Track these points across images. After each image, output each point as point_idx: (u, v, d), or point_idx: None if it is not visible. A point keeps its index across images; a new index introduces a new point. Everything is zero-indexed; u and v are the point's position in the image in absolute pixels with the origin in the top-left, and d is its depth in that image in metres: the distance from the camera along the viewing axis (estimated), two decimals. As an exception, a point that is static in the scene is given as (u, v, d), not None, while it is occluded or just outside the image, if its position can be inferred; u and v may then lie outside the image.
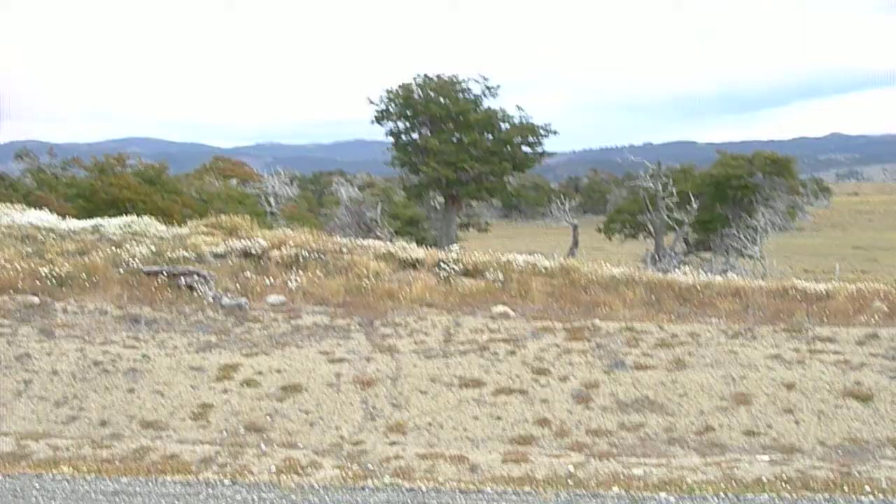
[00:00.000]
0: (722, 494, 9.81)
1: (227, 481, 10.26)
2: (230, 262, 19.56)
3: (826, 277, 34.80)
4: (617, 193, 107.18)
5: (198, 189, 57.63)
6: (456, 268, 19.52)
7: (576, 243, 44.97)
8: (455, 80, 48.09)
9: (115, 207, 40.07)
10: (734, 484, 10.18)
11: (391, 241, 28.00)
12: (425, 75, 48.26)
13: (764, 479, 10.28)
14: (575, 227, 44.34)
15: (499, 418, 12.56)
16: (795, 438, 11.98)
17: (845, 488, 9.99)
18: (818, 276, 38.69)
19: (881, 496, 9.78)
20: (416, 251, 20.85)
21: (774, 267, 41.91)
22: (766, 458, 11.30)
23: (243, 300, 17.09)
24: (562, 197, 55.35)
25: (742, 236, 44.38)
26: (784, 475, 10.41)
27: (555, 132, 48.19)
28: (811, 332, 15.46)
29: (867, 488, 9.97)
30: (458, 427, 12.37)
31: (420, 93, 47.43)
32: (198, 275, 17.89)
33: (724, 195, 48.39)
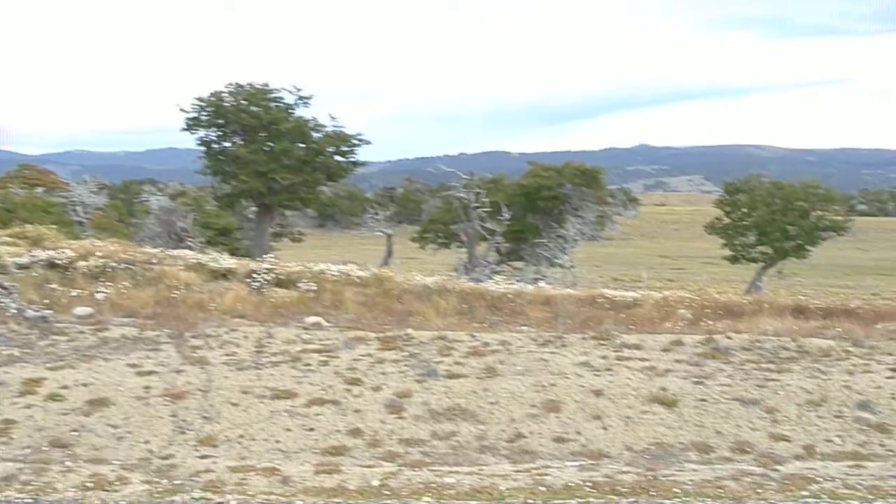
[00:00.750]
0: (531, 501, 9.91)
1: (28, 499, 9.83)
2: (35, 273, 18.83)
3: (634, 286, 35.76)
4: (431, 203, 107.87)
5: (1, 198, 55.43)
6: (268, 278, 19.28)
7: (390, 253, 45.16)
8: (267, 88, 47.59)
9: None
10: (544, 490, 10.29)
11: (203, 251, 27.49)
12: (237, 83, 47.62)
13: (573, 485, 10.43)
14: (389, 237, 44.49)
15: (311, 429, 12.40)
16: (604, 444, 12.19)
17: (651, 492, 10.22)
18: (627, 285, 39.73)
19: (686, 499, 10.04)
20: (228, 261, 20.54)
21: (584, 276, 42.88)
22: (575, 464, 11.48)
23: (48, 312, 16.46)
24: (376, 207, 55.40)
25: (552, 246, 45.23)
26: (592, 480, 10.58)
27: (367, 142, 48.23)
28: (619, 339, 15.82)
29: (673, 491, 10.22)
30: (270, 439, 12.16)
31: (232, 101, 46.77)
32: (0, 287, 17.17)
33: (535, 205, 49.13)
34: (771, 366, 14.73)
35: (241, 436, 12.20)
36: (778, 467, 11.36)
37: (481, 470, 11.20)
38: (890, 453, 12.15)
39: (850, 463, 11.68)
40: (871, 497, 10.09)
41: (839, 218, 52.28)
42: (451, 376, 13.95)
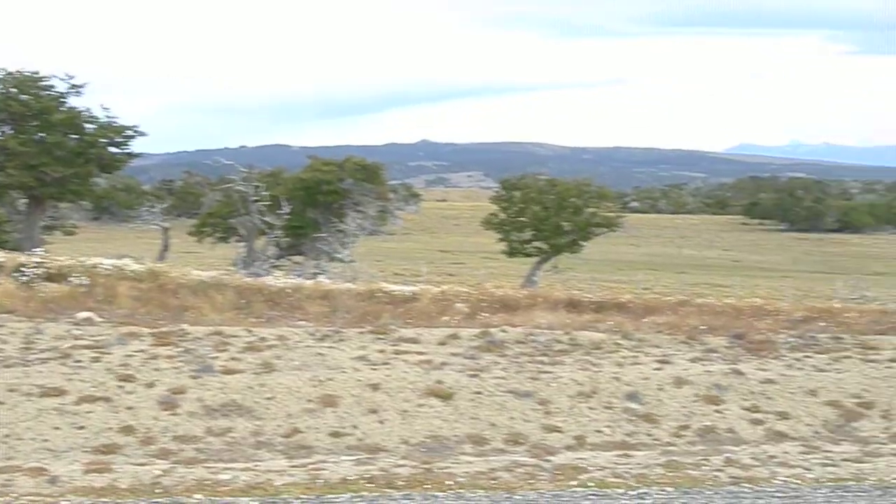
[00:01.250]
0: (306, 496, 9.87)
1: None
2: None
3: (414, 280, 36.08)
4: (211, 197, 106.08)
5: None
6: (38, 272, 18.56)
7: (166, 247, 44.16)
8: (38, 76, 45.69)
9: None
10: (320, 485, 10.26)
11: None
12: (5, 70, 45.54)
13: (349, 479, 10.44)
14: (165, 231, 43.51)
15: (82, 427, 11.99)
16: (380, 438, 12.24)
17: (426, 485, 10.32)
18: (407, 280, 40.03)
19: (459, 491, 10.18)
20: (-5, 255, 19.67)
21: (365, 270, 42.99)
22: (351, 458, 11.48)
23: None
24: (152, 199, 54.09)
25: (332, 240, 45.18)
26: (368, 474, 10.61)
27: (143, 133, 46.84)
28: (397, 333, 15.90)
29: (447, 483, 10.35)
30: (38, 438, 11.70)
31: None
32: None
33: (316, 200, 48.92)
34: (544, 358, 15.08)
35: (7, 435, 11.69)
36: (550, 458, 11.65)
37: (257, 466, 11.08)
38: (656, 442, 12.64)
39: (619, 452, 12.08)
40: (637, 485, 10.45)
41: (611, 215, 54.09)
42: (227, 372, 13.73)
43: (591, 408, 13.41)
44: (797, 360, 15.72)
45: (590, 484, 10.45)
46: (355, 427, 12.46)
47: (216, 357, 14.30)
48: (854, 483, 10.56)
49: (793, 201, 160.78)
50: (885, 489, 10.30)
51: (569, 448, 12.26)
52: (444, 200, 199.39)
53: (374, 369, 14.08)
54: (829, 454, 12.04)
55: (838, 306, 21.54)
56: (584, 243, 53.05)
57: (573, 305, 19.62)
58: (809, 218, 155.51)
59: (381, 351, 14.93)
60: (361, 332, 15.91)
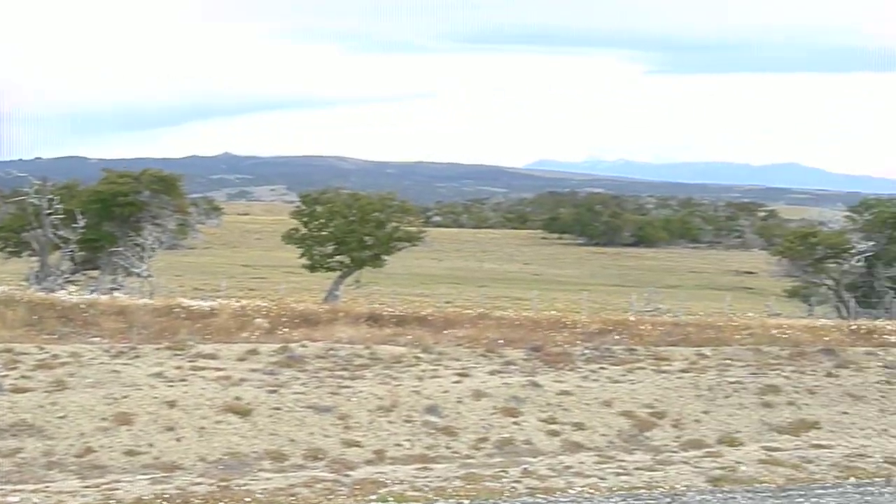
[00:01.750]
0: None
1: None
2: None
3: (214, 295, 35.51)
4: (3, 210, 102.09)
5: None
6: None
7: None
8: None
9: None
10: (113, 506, 9.98)
11: None
12: None
13: (144, 499, 10.17)
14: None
15: None
16: (177, 456, 11.99)
17: (224, 502, 10.14)
18: (206, 295, 39.39)
19: (257, 507, 10.05)
20: None
21: (164, 285, 42.08)
22: (146, 477, 11.20)
23: None
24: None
25: (130, 255, 44.02)
26: (165, 493, 10.36)
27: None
28: (194, 349, 15.62)
29: (245, 500, 10.20)
30: None
31: None
32: None
33: (112, 213, 47.53)
34: (344, 373, 15.06)
35: None
36: (350, 472, 11.62)
37: (48, 487, 10.69)
38: (456, 455, 12.76)
39: (419, 465, 12.14)
40: (435, 498, 10.51)
41: (414, 229, 54.29)
42: (17, 391, 13.23)
43: (390, 422, 13.44)
44: (593, 371, 16.13)
45: (389, 498, 10.46)
46: (151, 445, 12.17)
47: (6, 375, 13.77)
48: (645, 491, 10.87)
49: (591, 216, 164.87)
50: (674, 496, 10.64)
51: (368, 462, 12.25)
52: (246, 214, 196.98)
53: (171, 386, 13.79)
54: (622, 463, 12.35)
55: (633, 319, 22.23)
56: (387, 257, 53.06)
57: (374, 319, 19.66)
58: (607, 232, 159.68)
59: (179, 367, 14.64)
60: (158, 349, 15.58)
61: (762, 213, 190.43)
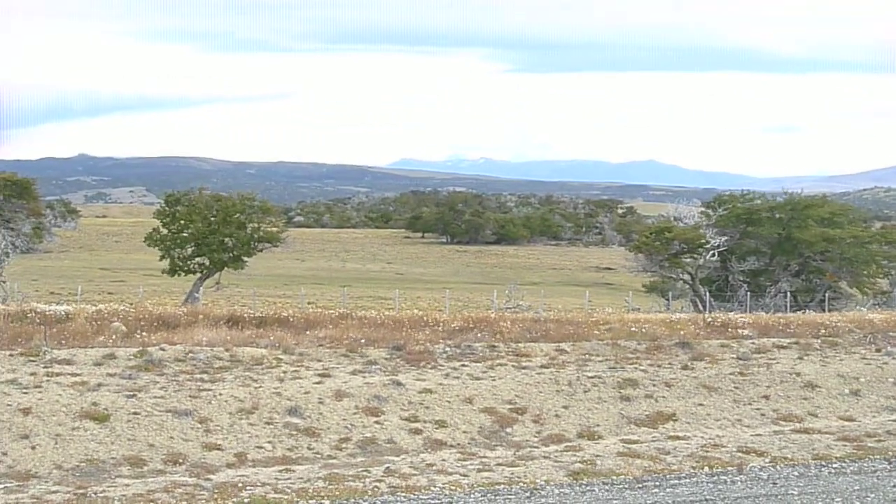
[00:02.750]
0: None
1: None
2: None
3: (71, 300, 34.70)
4: None
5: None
6: None
7: None
8: None
9: None
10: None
11: None
12: None
13: (-4, 510, 9.90)
14: None
15: None
16: (32, 464, 11.68)
17: (81, 510, 9.94)
18: (63, 299, 38.47)
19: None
20: None
21: (17, 290, 40.94)
22: (0, 486, 10.89)
23: None
24: None
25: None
26: (19, 502, 10.10)
27: None
28: (49, 355, 15.25)
29: (103, 508, 10.01)
30: None
31: None
32: None
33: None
34: (204, 376, 14.89)
35: None
36: (211, 476, 11.48)
37: None
38: (318, 456, 12.70)
39: (281, 467, 12.05)
40: (297, 500, 10.45)
41: (275, 229, 53.82)
42: None
43: (251, 424, 13.32)
44: (454, 369, 16.25)
45: (248, 501, 10.36)
46: (4, 454, 11.84)
47: None
48: (505, 486, 10.98)
49: (453, 215, 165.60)
50: (533, 491, 10.77)
51: (230, 466, 12.12)
52: (104, 216, 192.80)
53: (26, 393, 13.45)
54: (484, 459, 12.46)
55: (494, 316, 22.43)
56: (248, 259, 52.53)
57: (235, 322, 19.49)
58: (469, 231, 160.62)
59: (33, 374, 14.29)
60: (12, 355, 15.19)
61: (621, 210, 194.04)
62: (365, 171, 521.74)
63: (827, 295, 46.79)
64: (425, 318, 21.07)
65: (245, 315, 20.40)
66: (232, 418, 13.35)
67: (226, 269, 52.70)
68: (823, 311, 36.39)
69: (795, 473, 11.73)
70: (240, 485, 11.06)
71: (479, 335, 18.87)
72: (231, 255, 50.93)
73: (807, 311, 35.32)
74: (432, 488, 10.92)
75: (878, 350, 19.18)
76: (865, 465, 12.26)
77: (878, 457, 12.69)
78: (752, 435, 14.04)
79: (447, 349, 17.39)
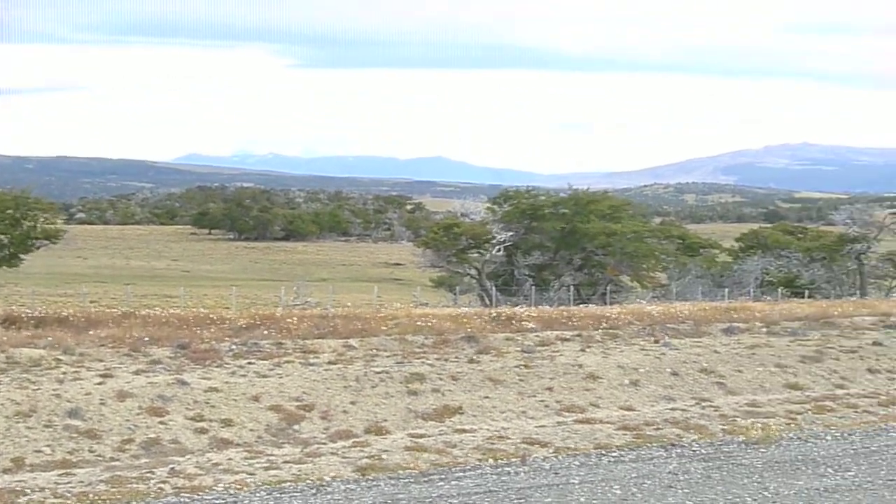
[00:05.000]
0: None
1: None
2: None
3: None
4: None
5: None
6: None
7: None
8: None
9: None
10: None
11: None
12: None
13: None
14: None
15: None
16: None
17: None
18: None
19: None
20: None
21: None
22: None
23: None
24: None
25: None
26: None
27: None
28: None
29: None
30: None
31: None
32: None
33: None
34: (-22, 380, 14.24)
35: None
36: (-21, 483, 10.99)
37: None
38: (100, 458, 12.31)
39: (61, 471, 11.64)
40: (79, 503, 10.13)
41: (52, 226, 52.15)
42: None
43: (30, 427, 12.82)
44: (241, 367, 16.04)
45: (27, 508, 9.98)
46: None
47: None
48: (292, 484, 10.90)
49: (241, 211, 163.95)
50: (319, 487, 10.73)
51: (6, 471, 11.63)
52: None
53: None
54: (271, 458, 12.33)
55: (281, 313, 22.27)
56: (25, 257, 50.75)
57: (11, 322, 18.77)
58: (257, 227, 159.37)
59: None
60: None
61: (409, 206, 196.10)
62: (149, 166, 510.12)
63: (609, 288, 48.43)
64: (212, 316, 20.73)
65: (23, 315, 19.66)
66: (8, 422, 12.80)
67: (1, 267, 50.67)
68: (605, 304, 37.59)
69: (577, 463, 12.06)
70: (17, 490, 10.63)
71: (266, 332, 18.68)
72: (6, 252, 48.98)
73: (589, 304, 36.40)
74: (217, 488, 10.75)
75: (656, 341, 19.87)
76: (643, 452, 12.72)
77: (655, 444, 13.18)
78: (536, 426, 14.34)
79: (234, 347, 17.15)
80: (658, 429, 14.22)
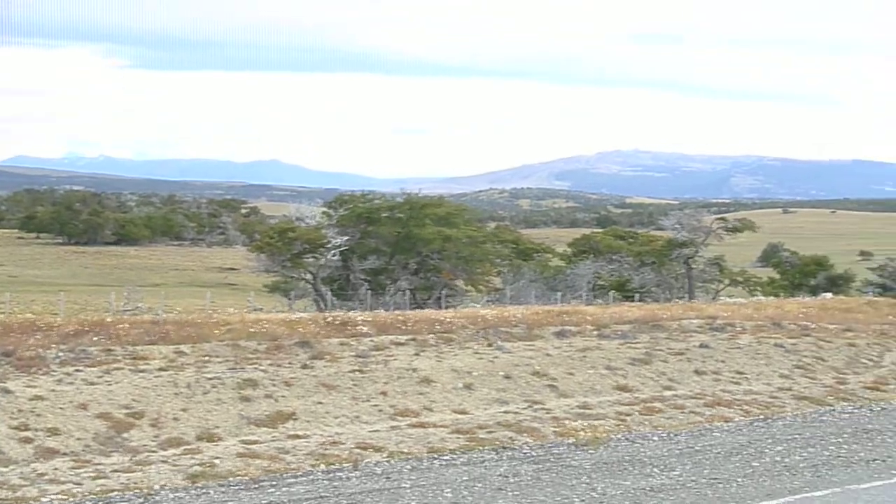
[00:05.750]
0: None
1: None
2: None
3: None
4: None
5: None
6: None
7: None
8: None
9: None
10: None
11: None
12: None
13: None
14: None
15: None
16: None
17: None
18: None
19: None
20: None
21: None
22: None
23: None
24: None
25: None
26: None
27: None
28: None
29: None
30: None
31: None
32: None
33: None
34: None
35: None
36: None
37: None
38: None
39: None
40: None
41: None
42: None
43: None
44: (68, 374, 15.61)
45: None
46: None
47: None
48: (119, 493, 10.71)
49: (71, 214, 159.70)
50: (148, 496, 10.58)
51: None
52: None
53: None
54: (99, 467, 12.08)
55: (111, 319, 21.75)
56: None
57: None
58: (88, 231, 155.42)
59: None
60: None
61: (244, 210, 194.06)
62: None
63: (444, 292, 48.77)
64: (38, 323, 20.08)
65: None
66: None
67: None
68: (441, 308, 37.88)
69: (409, 467, 12.15)
70: None
71: (95, 339, 18.20)
72: None
73: (425, 308, 36.62)
74: (42, 499, 10.50)
75: (489, 345, 20.07)
76: (475, 455, 12.90)
77: (487, 447, 13.38)
78: (370, 431, 14.37)
79: (61, 354, 16.66)
80: (491, 432, 14.41)
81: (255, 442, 13.55)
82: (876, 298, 43.04)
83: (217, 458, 12.48)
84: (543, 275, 63.30)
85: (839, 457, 13.50)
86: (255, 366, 16.97)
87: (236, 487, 10.98)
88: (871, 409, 17.23)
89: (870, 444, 14.43)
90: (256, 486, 11.07)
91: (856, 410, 17.13)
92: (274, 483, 11.18)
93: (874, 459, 13.40)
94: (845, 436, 14.89)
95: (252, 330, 19.65)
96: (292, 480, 11.33)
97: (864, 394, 18.61)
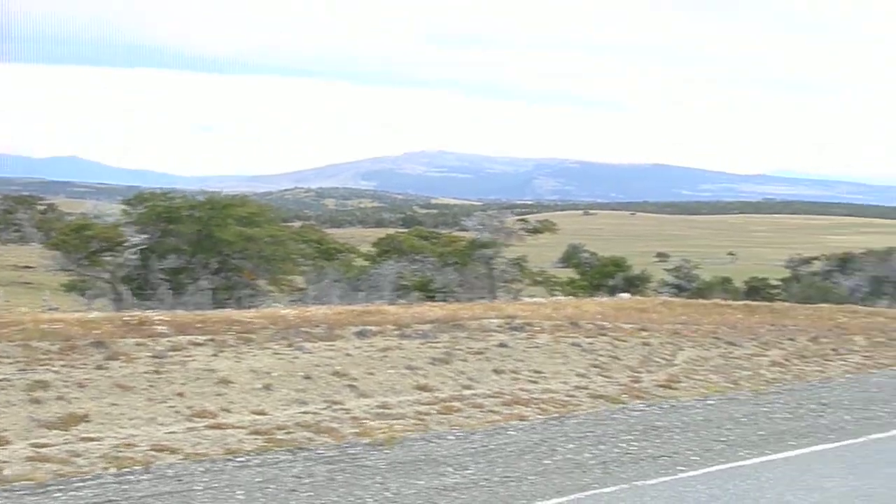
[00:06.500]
0: None
1: None
2: None
3: None
4: None
5: None
6: None
7: None
8: None
9: None
10: None
11: None
12: None
13: None
14: None
15: None
16: None
17: None
18: None
19: None
20: None
21: None
22: None
23: None
24: None
25: None
26: None
27: None
28: None
29: None
30: None
31: None
32: None
33: None
34: None
35: None
36: None
37: None
38: None
39: None
40: None
41: None
42: None
43: None
44: None
45: None
46: None
47: None
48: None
49: None
50: None
51: None
52: None
53: None
54: None
55: None
56: None
57: None
58: None
59: None
60: None
61: (41, 207, 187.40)
62: None
63: (246, 292, 48.24)
64: None
65: None
66: None
67: None
68: (242, 308, 37.47)
69: (202, 469, 12.03)
70: None
71: None
72: None
73: (226, 308, 36.16)
74: None
75: (290, 345, 19.97)
76: (270, 457, 12.86)
77: (284, 448, 13.35)
78: (166, 433, 14.14)
79: None
80: (289, 432, 14.37)
81: (45, 445, 13.15)
82: (670, 299, 44.55)
83: (4, 462, 12.07)
84: (347, 275, 63.18)
85: (628, 453, 13.99)
86: (47, 367, 16.46)
87: (21, 493, 10.66)
88: (661, 407, 17.88)
89: (658, 440, 15.00)
90: (43, 490, 10.78)
91: (647, 408, 17.74)
92: (61, 487, 10.89)
93: (661, 456, 13.95)
94: (635, 433, 15.43)
95: (45, 330, 19.05)
96: (80, 484, 11.06)
97: (657, 391, 19.30)
